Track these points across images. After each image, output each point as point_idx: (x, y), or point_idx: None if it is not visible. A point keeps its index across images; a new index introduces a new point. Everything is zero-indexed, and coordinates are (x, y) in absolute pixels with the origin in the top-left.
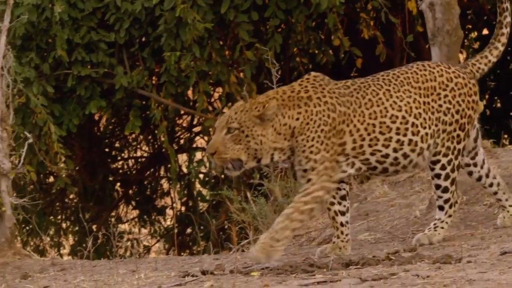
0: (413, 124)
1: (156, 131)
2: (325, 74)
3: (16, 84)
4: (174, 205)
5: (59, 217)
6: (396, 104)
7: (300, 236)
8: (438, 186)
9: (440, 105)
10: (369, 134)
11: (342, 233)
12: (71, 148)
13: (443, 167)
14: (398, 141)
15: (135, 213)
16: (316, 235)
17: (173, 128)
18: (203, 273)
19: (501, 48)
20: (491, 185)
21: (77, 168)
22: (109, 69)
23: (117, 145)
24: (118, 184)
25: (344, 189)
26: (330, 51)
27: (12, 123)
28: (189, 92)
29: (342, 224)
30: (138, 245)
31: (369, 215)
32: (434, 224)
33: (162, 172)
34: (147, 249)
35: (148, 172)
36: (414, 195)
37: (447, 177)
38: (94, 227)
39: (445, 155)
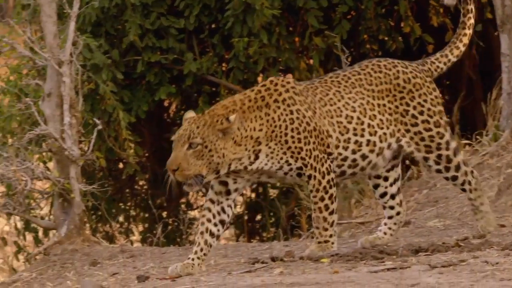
0: (369, 124)
1: None
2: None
3: (85, 70)
4: (244, 191)
5: (128, 203)
6: (349, 105)
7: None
8: (445, 176)
9: (397, 107)
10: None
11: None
12: (140, 134)
13: (437, 163)
14: (356, 142)
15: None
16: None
17: None
18: (273, 259)
19: (462, 49)
20: (391, 207)
21: (146, 154)
22: (179, 55)
23: None
24: None
25: (227, 214)
26: (400, 38)
27: (81, 109)
28: (259, 79)
29: (205, 243)
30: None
31: (438, 202)
32: (473, 205)
33: None
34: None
35: None
36: (483, 181)
37: (447, 169)
38: (163, 213)
39: (429, 152)
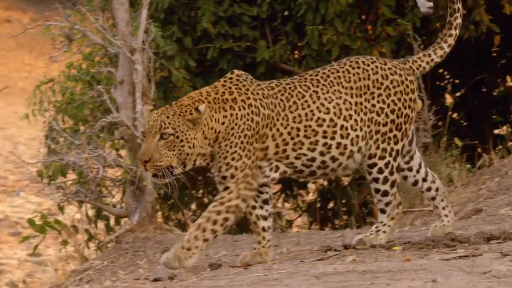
0: (342, 126)
1: None
2: (467, 50)
3: (157, 58)
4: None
5: (201, 191)
6: (323, 107)
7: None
8: (377, 190)
9: (374, 105)
10: (292, 138)
11: (263, 238)
12: None
13: (380, 171)
14: (325, 144)
15: (278, 187)
16: (458, 209)
17: None
18: (345, 247)
19: (447, 49)
20: (428, 189)
21: None
22: (252, 43)
23: None
24: None
25: (267, 192)
26: (472, 26)
27: (153, 97)
28: None
29: (264, 229)
30: (281, 219)
31: (510, 190)
32: (376, 227)
33: None
34: (290, 223)
35: None
36: None
37: (385, 180)
38: None
39: (382, 157)
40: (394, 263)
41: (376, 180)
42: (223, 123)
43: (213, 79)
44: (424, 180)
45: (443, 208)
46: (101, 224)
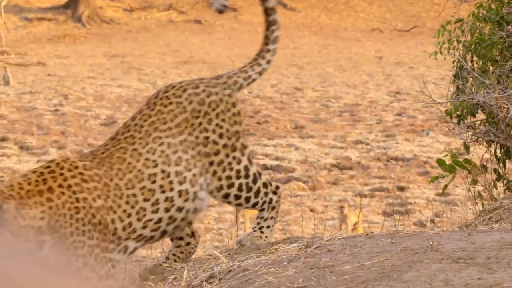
0: (176, 172)
1: None
2: None
3: None
4: None
5: None
6: (149, 161)
7: None
8: (247, 207)
9: (197, 137)
10: (133, 207)
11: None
12: None
13: (237, 197)
14: (166, 199)
15: None
16: None
17: None
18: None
19: (266, 66)
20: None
21: None
22: None
23: None
24: None
25: None
26: None
27: None
28: None
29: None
30: None
31: None
32: (258, 224)
33: None
34: None
35: None
36: None
37: (247, 200)
38: None
39: (230, 185)
40: None
41: (239, 204)
42: (42, 218)
43: None
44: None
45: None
46: (509, 164)
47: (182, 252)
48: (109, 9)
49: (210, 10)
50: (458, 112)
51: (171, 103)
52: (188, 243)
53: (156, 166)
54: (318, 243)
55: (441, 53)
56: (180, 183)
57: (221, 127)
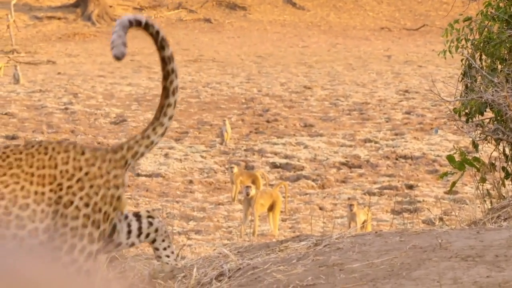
0: (17, 216)
1: None
2: None
3: None
4: None
5: None
6: None
7: None
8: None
9: (60, 197)
10: None
11: None
12: None
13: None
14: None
15: None
16: None
17: None
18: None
19: (168, 124)
20: (147, 236)
21: None
22: None
23: None
24: None
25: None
26: None
27: None
28: None
29: None
30: None
31: None
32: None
33: None
34: None
35: None
36: None
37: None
38: None
39: (68, 252)
40: None
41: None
42: None
43: None
44: (139, 235)
45: (164, 249)
46: None
47: (163, 241)
48: (118, 7)
49: (219, 8)
50: (466, 111)
51: (46, 153)
52: (156, 230)
53: (2, 199)
54: (327, 241)
55: (449, 51)
56: (18, 227)
57: (90, 198)
